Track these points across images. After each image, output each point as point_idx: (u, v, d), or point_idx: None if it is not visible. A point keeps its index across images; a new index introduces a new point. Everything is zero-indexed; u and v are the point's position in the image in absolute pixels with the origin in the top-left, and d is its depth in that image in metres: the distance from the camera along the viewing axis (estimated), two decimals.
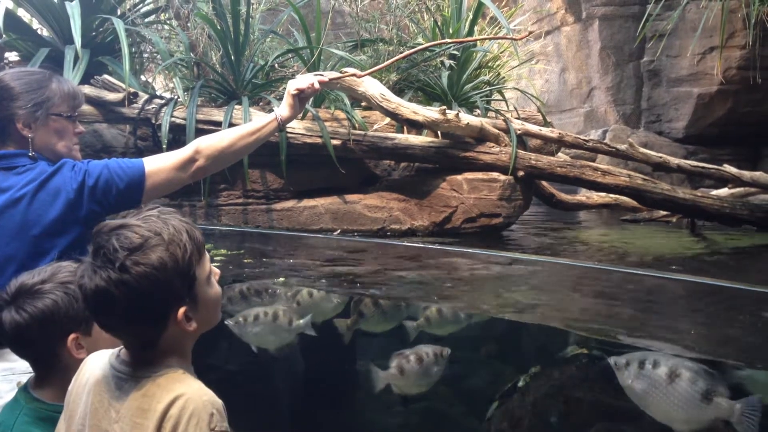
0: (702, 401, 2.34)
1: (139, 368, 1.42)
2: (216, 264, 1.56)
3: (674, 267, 3.77)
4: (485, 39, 5.25)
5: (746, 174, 5.16)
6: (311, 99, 3.73)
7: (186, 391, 1.37)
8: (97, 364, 1.50)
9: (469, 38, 5.00)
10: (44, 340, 1.67)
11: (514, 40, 4.75)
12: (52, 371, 1.71)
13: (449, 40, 4.56)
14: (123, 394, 1.41)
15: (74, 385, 1.53)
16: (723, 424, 2.32)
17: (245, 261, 3.67)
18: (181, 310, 1.40)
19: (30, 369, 1.76)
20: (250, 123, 2.40)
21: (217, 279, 1.51)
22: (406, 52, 3.25)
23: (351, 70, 3.93)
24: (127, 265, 1.33)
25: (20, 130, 2.06)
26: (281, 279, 3.64)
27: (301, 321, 3.70)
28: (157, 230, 1.38)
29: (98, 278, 1.34)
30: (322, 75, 3.22)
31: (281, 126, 2.41)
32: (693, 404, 2.35)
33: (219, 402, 1.38)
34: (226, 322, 3.64)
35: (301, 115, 4.28)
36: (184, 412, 1.34)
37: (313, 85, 2.44)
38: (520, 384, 3.55)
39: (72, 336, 1.68)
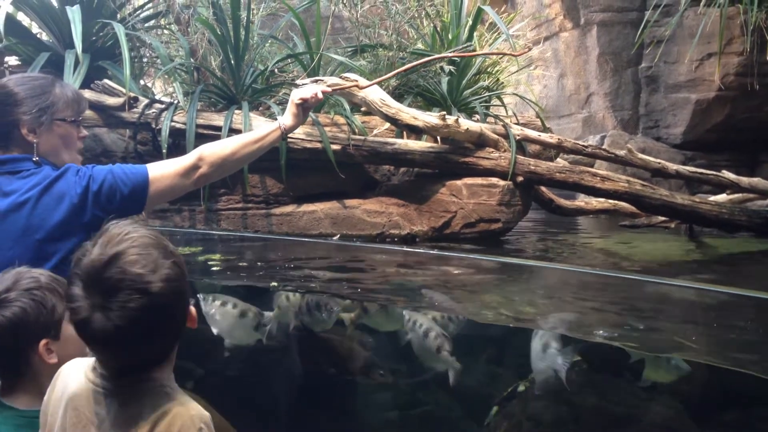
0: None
1: (121, 385, 1.38)
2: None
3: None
4: (486, 54, 5.25)
5: (744, 180, 5.17)
6: None
7: (173, 407, 1.34)
8: (72, 377, 1.45)
9: (471, 53, 5.00)
10: (15, 348, 1.65)
11: (514, 56, 4.77)
12: (23, 379, 1.69)
13: (450, 54, 4.56)
14: (104, 409, 1.36)
15: (49, 399, 1.49)
16: None
17: (239, 265, 3.67)
18: (194, 311, 1.40)
19: None
20: (254, 131, 2.41)
21: None
22: (410, 65, 3.26)
23: (353, 76, 3.95)
24: (161, 287, 1.30)
25: (25, 136, 2.06)
26: (273, 284, 3.65)
27: (267, 326, 3.74)
28: (147, 243, 1.35)
29: (129, 311, 1.28)
30: (323, 80, 3.24)
31: (284, 135, 2.42)
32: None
33: (206, 416, 1.36)
34: (199, 296, 3.67)
35: None
36: (172, 429, 1.31)
37: (316, 95, 2.45)
38: (520, 389, 3.56)
39: (43, 342, 1.66)
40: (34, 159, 2.06)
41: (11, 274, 1.72)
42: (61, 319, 1.60)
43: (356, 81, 3.66)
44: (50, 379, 1.52)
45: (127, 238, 1.35)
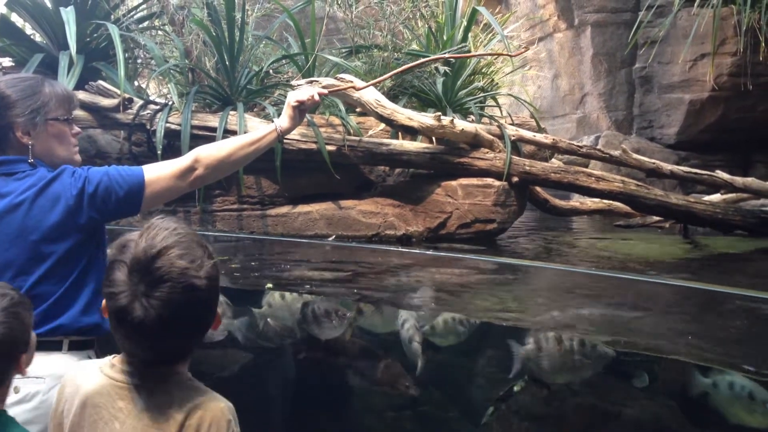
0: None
1: (148, 379, 1.41)
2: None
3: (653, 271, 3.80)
4: (483, 55, 5.26)
5: (738, 180, 5.19)
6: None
7: (203, 400, 1.38)
8: (87, 377, 1.47)
9: (467, 54, 5.01)
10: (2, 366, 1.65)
11: (510, 56, 4.77)
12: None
13: (445, 55, 4.56)
14: (130, 404, 1.39)
15: (58, 403, 1.50)
16: None
17: (231, 266, 3.66)
18: (219, 311, 1.43)
19: None
20: (250, 133, 2.40)
21: None
22: (405, 66, 3.25)
23: (348, 77, 3.95)
24: (206, 281, 1.35)
25: (20, 139, 2.05)
26: (269, 285, 3.64)
27: (235, 321, 3.73)
28: (189, 239, 1.39)
29: (174, 304, 1.32)
30: (318, 81, 3.23)
31: (280, 137, 2.41)
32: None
33: (232, 407, 1.40)
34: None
35: None
36: (203, 422, 1.34)
37: (313, 97, 2.44)
38: (516, 389, 3.56)
39: (22, 356, 1.67)
40: (29, 161, 2.05)
41: None
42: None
43: (352, 82, 3.66)
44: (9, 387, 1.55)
45: (175, 233, 1.39)
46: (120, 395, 1.41)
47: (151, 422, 1.36)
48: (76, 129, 2.22)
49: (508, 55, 4.26)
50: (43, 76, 2.21)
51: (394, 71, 3.16)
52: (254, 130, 2.44)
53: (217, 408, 1.37)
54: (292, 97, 2.42)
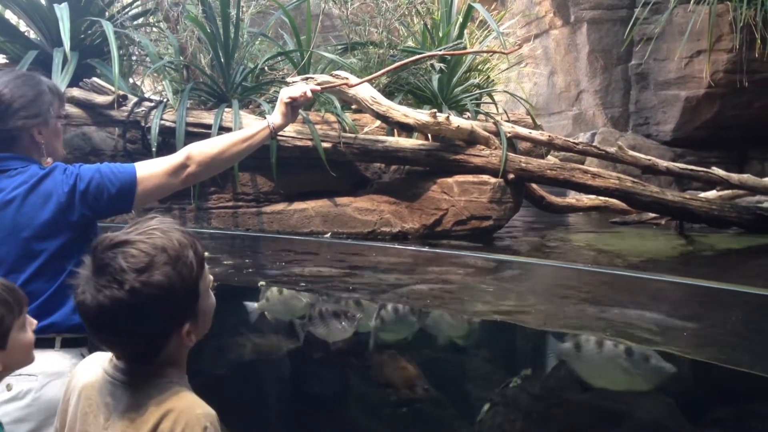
0: None
1: (134, 377, 1.40)
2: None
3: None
4: (476, 53, 5.25)
5: (734, 176, 5.20)
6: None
7: (178, 405, 1.35)
8: (89, 369, 1.49)
9: (461, 51, 5.00)
10: None
11: (504, 54, 4.77)
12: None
13: (440, 52, 4.56)
14: (115, 401, 1.39)
15: (66, 390, 1.52)
16: None
17: (225, 263, 3.65)
18: (186, 327, 1.38)
19: None
20: (242, 130, 2.40)
21: (210, 287, 1.49)
22: (399, 63, 3.25)
23: (344, 74, 3.94)
24: (136, 288, 1.29)
25: (36, 138, 2.07)
26: (262, 282, 3.64)
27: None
28: (163, 246, 1.34)
29: (102, 297, 1.30)
30: (313, 78, 3.23)
31: (273, 134, 2.41)
32: None
33: (213, 414, 1.36)
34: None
35: None
36: (176, 426, 1.32)
37: (305, 93, 2.44)
38: (512, 386, 3.57)
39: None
40: (47, 160, 2.07)
41: None
42: (9, 329, 1.59)
43: (346, 79, 3.65)
44: None
45: (149, 232, 1.36)
46: (109, 391, 1.41)
47: (128, 422, 1.35)
48: (62, 121, 2.25)
49: (501, 52, 4.25)
50: (34, 73, 2.21)
51: (387, 69, 3.16)
52: (247, 127, 2.44)
53: (193, 414, 1.33)
54: (285, 94, 2.42)
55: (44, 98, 2.10)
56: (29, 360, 1.62)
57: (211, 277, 1.50)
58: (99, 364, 1.47)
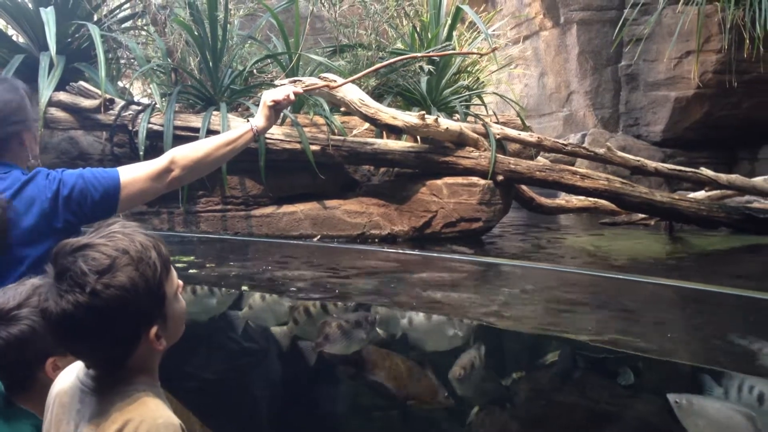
0: None
1: (102, 385, 1.39)
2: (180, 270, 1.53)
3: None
4: (454, 54, 5.22)
5: (723, 177, 5.20)
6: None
7: (139, 414, 1.33)
8: (67, 375, 1.48)
9: (438, 53, 4.98)
10: (20, 365, 1.65)
11: (480, 55, 4.78)
12: (28, 394, 1.69)
13: (420, 54, 4.56)
14: (84, 408, 1.38)
15: (50, 396, 1.51)
16: None
17: (207, 266, 3.63)
18: (153, 330, 1.37)
19: None
20: (226, 133, 2.40)
21: (180, 292, 1.47)
22: (381, 64, 3.26)
23: (332, 77, 3.93)
24: (98, 290, 1.28)
25: (26, 144, 2.08)
26: (245, 288, 3.62)
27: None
28: (124, 248, 1.33)
29: (65, 303, 1.28)
30: (301, 80, 3.22)
31: (256, 137, 2.41)
32: None
33: (175, 423, 1.34)
34: None
35: (280, 120, 4.27)
36: None
37: (288, 96, 2.44)
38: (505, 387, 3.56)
39: (50, 360, 1.66)
40: (38, 164, 2.07)
41: (27, 286, 1.69)
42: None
43: (332, 81, 3.64)
44: None
45: (111, 235, 1.35)
46: (79, 398, 1.40)
47: (94, 429, 1.34)
48: None
49: (478, 54, 4.26)
50: (8, 77, 2.24)
51: (369, 69, 3.17)
52: (231, 130, 2.44)
53: (153, 423, 1.31)
54: (268, 97, 2.42)
55: (26, 102, 2.10)
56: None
57: (180, 282, 1.48)
58: (74, 372, 1.47)
